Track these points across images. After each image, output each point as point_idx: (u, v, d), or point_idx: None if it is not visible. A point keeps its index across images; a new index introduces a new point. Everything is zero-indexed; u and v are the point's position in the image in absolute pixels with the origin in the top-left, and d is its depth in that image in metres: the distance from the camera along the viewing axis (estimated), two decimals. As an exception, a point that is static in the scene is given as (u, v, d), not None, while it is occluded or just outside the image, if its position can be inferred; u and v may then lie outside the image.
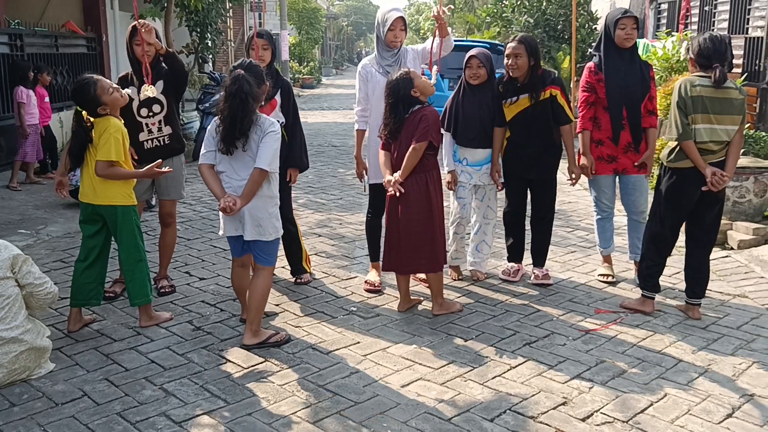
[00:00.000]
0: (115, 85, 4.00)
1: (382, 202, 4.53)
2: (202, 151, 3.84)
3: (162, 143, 4.55)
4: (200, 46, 12.83)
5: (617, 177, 4.87)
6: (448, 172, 4.83)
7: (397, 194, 4.11)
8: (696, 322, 4.17)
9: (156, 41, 4.38)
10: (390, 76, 4.23)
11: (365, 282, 4.83)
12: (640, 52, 5.17)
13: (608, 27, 4.71)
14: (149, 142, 4.52)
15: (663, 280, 4.84)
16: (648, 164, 4.79)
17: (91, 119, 3.89)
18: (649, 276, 4.29)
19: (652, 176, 6.96)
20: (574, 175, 4.81)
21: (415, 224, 4.18)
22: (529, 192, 4.91)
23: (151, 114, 4.51)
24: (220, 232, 3.92)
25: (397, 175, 4.14)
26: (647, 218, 4.95)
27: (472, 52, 4.75)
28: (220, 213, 3.76)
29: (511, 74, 4.65)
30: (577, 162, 4.85)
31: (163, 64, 4.51)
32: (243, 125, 3.58)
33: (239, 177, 3.71)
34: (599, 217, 4.99)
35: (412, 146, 4.08)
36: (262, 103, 3.79)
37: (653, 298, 4.31)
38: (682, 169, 4.03)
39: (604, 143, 4.75)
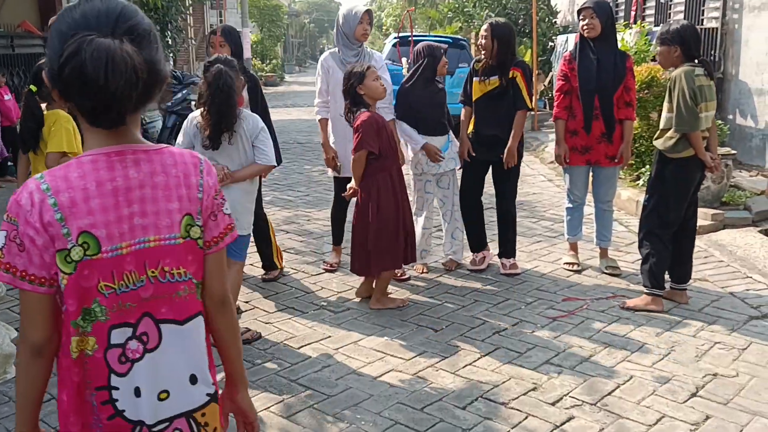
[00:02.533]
0: None
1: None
2: (178, 145, 3.83)
3: None
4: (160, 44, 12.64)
5: (590, 168, 4.95)
6: (422, 148, 4.80)
7: (349, 199, 4.31)
8: (659, 306, 4.27)
9: None
10: (351, 65, 4.29)
11: (323, 262, 5.10)
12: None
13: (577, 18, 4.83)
14: None
15: (625, 267, 4.96)
16: (624, 156, 4.82)
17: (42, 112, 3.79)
18: (658, 272, 4.20)
19: (628, 168, 7.10)
20: (509, 160, 4.74)
21: (356, 227, 4.27)
22: (493, 182, 4.98)
23: None
24: None
25: (352, 182, 4.26)
26: (612, 206, 5.08)
27: (445, 46, 4.97)
28: None
29: (482, 54, 4.82)
30: (557, 150, 4.91)
31: None
32: (229, 119, 3.61)
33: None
34: (570, 205, 5.06)
35: (352, 155, 4.20)
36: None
37: (662, 296, 4.23)
38: (687, 158, 4.06)
39: (578, 133, 4.81)
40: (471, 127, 4.94)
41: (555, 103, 4.90)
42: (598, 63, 4.71)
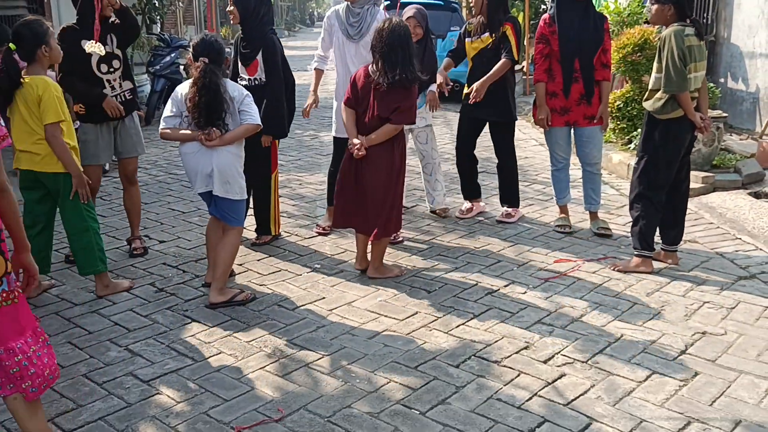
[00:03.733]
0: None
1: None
2: (166, 115, 3.88)
3: (124, 99, 4.47)
4: (147, 6, 12.43)
5: (572, 129, 4.96)
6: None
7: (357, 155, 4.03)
8: (649, 266, 4.31)
9: None
10: (395, 20, 4.01)
11: (317, 225, 5.13)
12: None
13: None
14: (113, 99, 4.41)
15: (616, 229, 5.00)
16: (603, 117, 4.87)
17: (25, 79, 3.68)
18: (648, 234, 4.23)
19: (611, 130, 7.12)
20: (475, 93, 4.89)
21: (379, 189, 4.09)
22: (492, 140, 5.26)
23: (111, 70, 4.41)
24: (192, 191, 4.00)
25: (363, 139, 4.01)
26: (600, 169, 5.11)
27: (409, 12, 4.92)
28: (189, 172, 3.88)
29: (471, 7, 5.02)
30: (532, 114, 5.06)
31: (116, 19, 4.39)
32: (218, 112, 3.72)
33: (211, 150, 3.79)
34: (555, 168, 5.09)
35: (390, 124, 3.97)
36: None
37: (652, 257, 4.27)
38: (676, 119, 4.06)
39: (557, 95, 4.83)
40: (466, 87, 5.13)
41: (535, 67, 4.91)
42: (578, 26, 4.71)
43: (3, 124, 2.19)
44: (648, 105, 4.16)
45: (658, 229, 4.33)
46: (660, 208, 4.24)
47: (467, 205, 5.43)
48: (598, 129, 4.94)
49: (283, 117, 4.60)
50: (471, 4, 5.03)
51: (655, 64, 4.15)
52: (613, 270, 4.28)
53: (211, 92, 3.68)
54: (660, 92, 4.07)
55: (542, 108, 4.87)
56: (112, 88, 4.41)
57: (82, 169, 3.84)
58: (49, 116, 3.68)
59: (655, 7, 4.13)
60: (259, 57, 4.48)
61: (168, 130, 3.86)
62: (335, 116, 4.88)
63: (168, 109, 3.88)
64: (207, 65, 3.68)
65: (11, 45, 3.69)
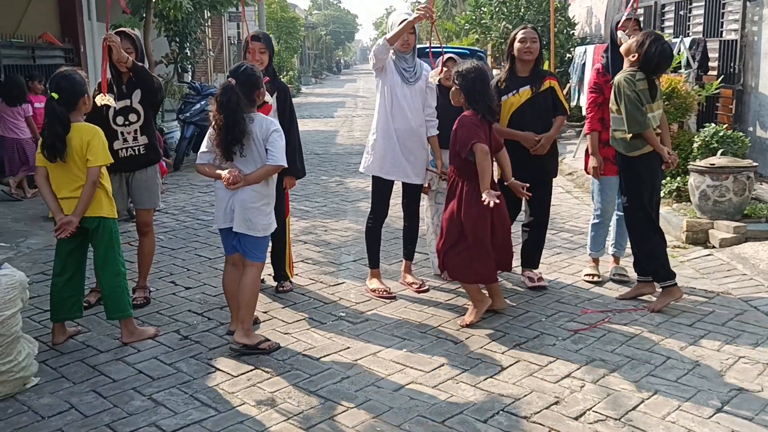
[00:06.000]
0: None
1: (384, 205, 4.78)
2: (201, 150, 3.92)
3: (137, 153, 4.54)
4: (179, 56, 12.77)
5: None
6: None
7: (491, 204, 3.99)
8: (682, 319, 4.21)
9: (122, 55, 4.32)
10: (478, 64, 4.27)
11: (373, 291, 4.74)
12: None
13: (612, 30, 4.80)
14: (124, 150, 4.49)
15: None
16: None
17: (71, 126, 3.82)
18: (665, 261, 4.41)
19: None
20: (541, 146, 4.64)
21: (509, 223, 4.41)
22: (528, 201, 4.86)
23: (126, 123, 4.51)
24: (213, 225, 3.96)
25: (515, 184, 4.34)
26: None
27: (450, 54, 4.92)
28: (217, 206, 3.89)
29: (524, 59, 4.69)
30: (585, 163, 4.98)
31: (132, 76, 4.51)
32: (235, 133, 3.68)
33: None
34: (597, 221, 5.01)
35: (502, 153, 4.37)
36: (258, 104, 3.91)
37: (676, 283, 4.41)
38: (646, 154, 4.34)
39: (610, 144, 4.79)
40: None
41: (588, 116, 4.87)
42: None
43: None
44: (619, 147, 4.40)
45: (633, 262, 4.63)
46: (660, 231, 4.47)
47: None
48: None
49: (303, 158, 4.77)
50: (528, 51, 4.63)
51: (612, 106, 4.42)
52: (651, 312, 4.33)
53: (229, 110, 3.63)
54: (624, 133, 4.32)
55: (596, 156, 4.80)
56: (125, 140, 4.50)
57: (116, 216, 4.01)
58: (100, 159, 3.83)
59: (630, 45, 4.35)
60: (272, 101, 4.49)
61: (202, 165, 3.91)
62: (377, 153, 4.65)
63: (204, 145, 3.91)
64: (230, 84, 3.69)
65: (54, 94, 3.81)
